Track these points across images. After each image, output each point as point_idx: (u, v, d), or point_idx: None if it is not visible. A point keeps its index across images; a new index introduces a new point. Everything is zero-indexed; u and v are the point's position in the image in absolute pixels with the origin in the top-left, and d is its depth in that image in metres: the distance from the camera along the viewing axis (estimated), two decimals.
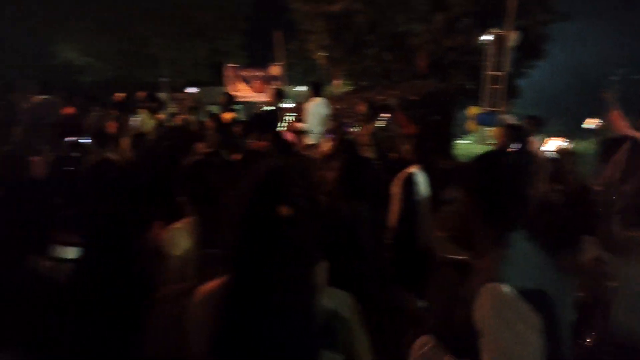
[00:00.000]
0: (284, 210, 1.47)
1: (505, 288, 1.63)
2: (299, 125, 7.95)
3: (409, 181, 4.00)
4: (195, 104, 11.91)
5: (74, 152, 5.86)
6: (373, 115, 6.87)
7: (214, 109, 22.88)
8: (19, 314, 2.83)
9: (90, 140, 8.23)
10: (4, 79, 8.65)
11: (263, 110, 9.16)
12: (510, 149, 5.19)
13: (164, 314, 1.62)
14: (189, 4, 21.84)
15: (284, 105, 9.66)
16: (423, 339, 1.87)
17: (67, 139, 7.58)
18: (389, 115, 6.64)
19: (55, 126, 7.95)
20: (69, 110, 9.22)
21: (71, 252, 3.03)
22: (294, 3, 16.27)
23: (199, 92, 18.68)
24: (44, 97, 8.66)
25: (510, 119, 8.96)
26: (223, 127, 7.75)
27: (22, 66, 20.54)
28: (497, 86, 11.92)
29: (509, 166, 1.93)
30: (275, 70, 14.98)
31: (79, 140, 7.87)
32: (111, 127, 8.75)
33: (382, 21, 14.95)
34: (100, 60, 22.38)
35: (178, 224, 3.06)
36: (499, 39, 11.86)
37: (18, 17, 20.76)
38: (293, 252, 1.46)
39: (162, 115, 9.95)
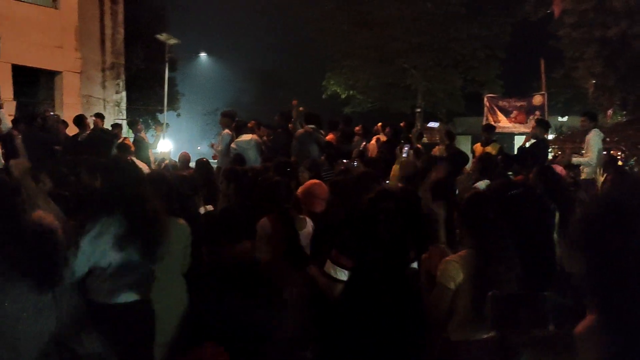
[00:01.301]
0: None
1: None
2: (574, 158, 7.39)
3: None
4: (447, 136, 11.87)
5: (341, 175, 6.22)
6: None
7: (465, 139, 22.83)
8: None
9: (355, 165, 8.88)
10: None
11: (531, 143, 8.73)
12: None
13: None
14: (447, 36, 22.22)
15: (547, 136, 9.10)
16: None
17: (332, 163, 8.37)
18: None
19: (326, 152, 8.72)
20: (331, 137, 10.03)
21: (343, 274, 3.29)
22: (562, 29, 15.31)
23: (440, 126, 18.72)
24: (311, 126, 9.47)
25: None
26: (485, 160, 7.57)
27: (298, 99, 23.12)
28: None
29: None
30: (537, 99, 14.21)
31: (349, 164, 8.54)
32: (374, 154, 9.27)
33: None
34: (362, 93, 24.02)
35: (454, 257, 3.08)
36: None
37: (297, 59, 23.41)
38: None
39: (419, 145, 10.20)
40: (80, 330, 2.45)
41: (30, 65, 12.36)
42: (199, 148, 39.05)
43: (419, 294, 3.31)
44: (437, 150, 10.07)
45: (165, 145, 13.64)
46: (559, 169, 6.54)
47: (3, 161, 8.21)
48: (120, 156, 6.99)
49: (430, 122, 12.94)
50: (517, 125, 14.21)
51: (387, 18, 22.24)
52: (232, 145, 8.51)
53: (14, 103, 11.17)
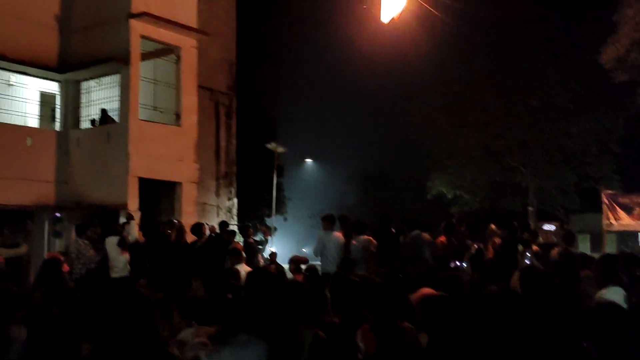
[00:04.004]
0: None
1: None
2: None
3: None
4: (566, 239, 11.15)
5: (451, 283, 5.97)
6: None
7: (583, 238, 21.43)
8: None
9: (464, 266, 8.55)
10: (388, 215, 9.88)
11: None
12: None
13: None
14: (555, 132, 21.69)
15: None
16: None
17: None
18: None
19: (435, 256, 8.52)
20: (443, 239, 9.80)
21: None
22: None
23: (557, 229, 17.78)
24: (416, 231, 9.32)
25: None
26: (606, 263, 7.01)
27: (402, 201, 23.19)
28: None
29: None
30: None
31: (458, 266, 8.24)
32: (488, 256, 8.91)
33: None
34: (469, 192, 23.60)
35: None
36: None
37: (400, 160, 23.69)
38: None
39: (535, 247, 9.69)
40: None
41: (154, 177, 13.43)
42: (304, 250, 39.76)
43: None
44: (555, 253, 9.50)
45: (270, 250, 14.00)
46: None
47: (129, 268, 8.78)
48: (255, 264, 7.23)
49: (546, 225, 12.38)
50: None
51: (489, 117, 22.19)
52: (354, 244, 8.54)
53: (139, 213, 12.07)
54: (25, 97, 14.17)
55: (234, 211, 19.46)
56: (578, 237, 20.10)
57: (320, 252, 8.68)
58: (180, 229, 9.46)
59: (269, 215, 20.10)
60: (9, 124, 13.40)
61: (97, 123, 14.00)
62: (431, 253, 8.56)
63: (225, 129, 19.04)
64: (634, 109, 19.37)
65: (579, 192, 22.92)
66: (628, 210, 13.54)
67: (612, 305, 3.65)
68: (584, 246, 20.55)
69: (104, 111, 13.89)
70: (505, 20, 21.60)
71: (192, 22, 14.52)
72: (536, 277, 4.68)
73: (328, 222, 8.96)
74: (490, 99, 22.07)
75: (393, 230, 9.46)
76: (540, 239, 12.81)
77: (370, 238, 8.85)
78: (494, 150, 22.25)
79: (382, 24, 9.99)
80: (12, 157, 13.03)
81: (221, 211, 18.61)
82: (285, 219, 29.18)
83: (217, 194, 18.61)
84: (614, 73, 18.62)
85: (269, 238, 14.23)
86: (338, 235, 8.85)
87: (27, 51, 13.64)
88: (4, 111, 13.47)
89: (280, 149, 17.22)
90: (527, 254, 7.59)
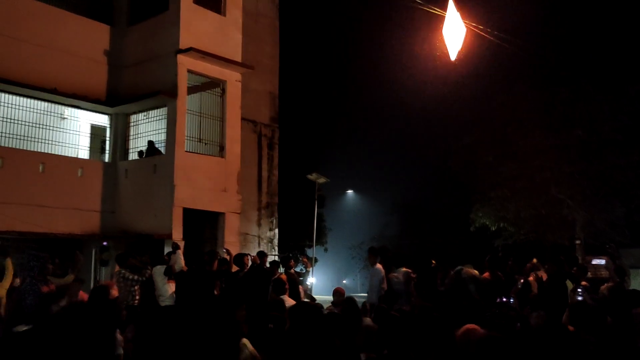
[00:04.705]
0: None
1: None
2: None
3: None
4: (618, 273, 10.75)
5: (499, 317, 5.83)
6: None
7: (634, 273, 20.57)
8: None
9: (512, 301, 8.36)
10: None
11: None
12: None
13: None
14: (603, 164, 21.09)
15: None
16: None
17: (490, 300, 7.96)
18: None
19: (481, 290, 8.33)
20: (486, 275, 9.58)
21: None
22: None
23: (606, 263, 17.21)
24: (459, 266, 9.18)
25: None
26: None
27: (444, 233, 22.83)
28: None
29: None
30: None
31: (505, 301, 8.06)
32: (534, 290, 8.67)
33: None
34: (513, 224, 23.06)
35: None
36: None
37: (442, 191, 23.39)
38: None
39: (584, 282, 9.37)
40: None
41: (198, 208, 13.65)
42: (344, 282, 39.49)
43: None
44: (604, 289, 9.16)
45: (309, 281, 13.97)
46: None
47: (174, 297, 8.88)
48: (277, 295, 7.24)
49: (595, 259, 11.95)
50: None
51: (533, 148, 21.74)
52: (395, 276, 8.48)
53: (183, 242, 12.26)
54: (77, 130, 14.72)
55: (275, 242, 19.54)
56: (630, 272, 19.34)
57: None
58: (224, 259, 9.54)
59: (310, 246, 20.11)
60: (62, 156, 13.92)
61: (144, 154, 14.41)
62: (476, 287, 8.38)
63: (267, 160, 19.30)
64: None
65: (630, 225, 22.13)
66: None
67: None
68: (635, 282, 19.75)
69: (151, 143, 14.29)
70: (550, 50, 21.36)
71: (237, 56, 14.90)
72: (588, 314, 4.49)
73: (374, 255, 9.00)
74: (535, 130, 21.68)
75: (433, 262, 9.38)
76: (589, 274, 12.36)
77: (410, 270, 8.78)
78: (539, 181, 21.74)
79: (446, 60, 9.61)
80: (64, 188, 13.50)
81: (262, 241, 18.72)
82: (325, 250, 29.09)
83: (259, 225, 18.76)
84: None
85: (310, 269, 14.20)
86: (381, 267, 8.86)
87: (79, 85, 14.22)
88: (57, 143, 14.00)
89: (321, 180, 17.28)
90: (579, 289, 7.33)
